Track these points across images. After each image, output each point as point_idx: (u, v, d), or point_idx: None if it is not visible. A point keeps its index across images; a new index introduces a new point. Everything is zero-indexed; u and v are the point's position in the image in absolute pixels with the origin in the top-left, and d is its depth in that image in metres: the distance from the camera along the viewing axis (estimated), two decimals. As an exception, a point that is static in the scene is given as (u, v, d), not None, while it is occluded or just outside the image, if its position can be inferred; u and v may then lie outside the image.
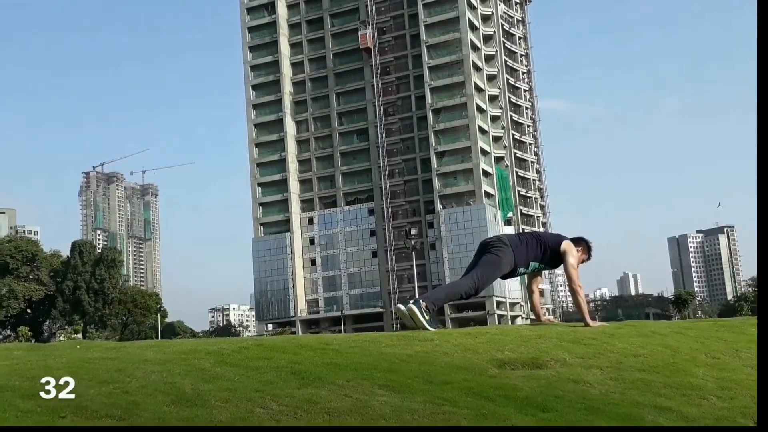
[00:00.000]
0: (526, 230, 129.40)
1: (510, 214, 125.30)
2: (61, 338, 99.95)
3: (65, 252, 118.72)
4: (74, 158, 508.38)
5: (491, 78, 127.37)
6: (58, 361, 5.35)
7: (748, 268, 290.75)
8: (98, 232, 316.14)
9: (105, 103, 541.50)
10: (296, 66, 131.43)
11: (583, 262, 8.30)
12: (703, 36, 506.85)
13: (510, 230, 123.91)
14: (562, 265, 8.09)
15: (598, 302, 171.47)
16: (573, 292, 8.07)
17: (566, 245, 8.10)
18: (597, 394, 5.23)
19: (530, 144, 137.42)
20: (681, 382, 5.62)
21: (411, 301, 7.72)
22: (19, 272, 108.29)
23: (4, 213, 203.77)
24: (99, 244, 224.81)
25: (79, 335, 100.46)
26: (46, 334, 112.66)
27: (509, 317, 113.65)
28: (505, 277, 8.21)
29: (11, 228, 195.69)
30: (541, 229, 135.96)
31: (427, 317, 7.61)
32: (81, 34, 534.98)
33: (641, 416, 4.73)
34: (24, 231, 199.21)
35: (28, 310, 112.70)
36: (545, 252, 8.12)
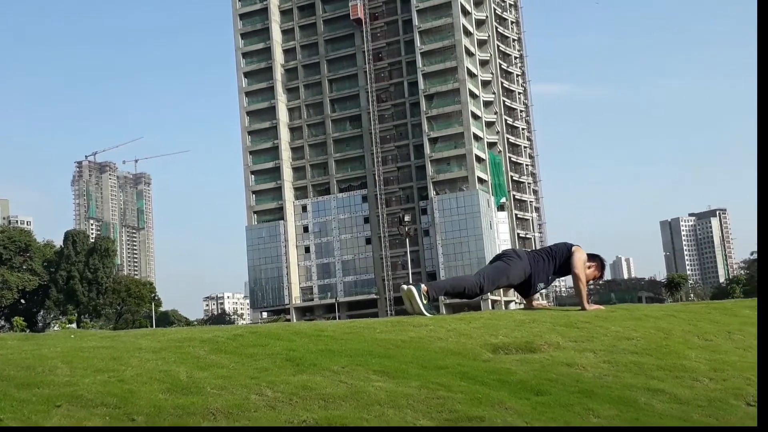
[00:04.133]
0: (520, 214, 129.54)
1: (503, 200, 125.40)
2: (56, 328, 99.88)
3: (58, 242, 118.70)
4: (66, 148, 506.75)
5: (484, 63, 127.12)
6: (53, 350, 5.35)
7: (740, 251, 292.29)
8: (91, 221, 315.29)
9: (96, 92, 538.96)
10: (288, 53, 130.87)
11: (595, 279, 8.51)
12: (705, 16, 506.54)
13: (503, 216, 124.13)
14: (573, 260, 8.26)
15: (591, 286, 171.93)
16: (575, 276, 8.19)
17: (576, 248, 8.34)
18: (590, 377, 5.26)
19: (523, 129, 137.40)
20: (674, 365, 5.66)
21: (413, 284, 7.93)
22: (13, 263, 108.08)
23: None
24: (92, 233, 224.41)
25: (74, 325, 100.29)
26: (40, 324, 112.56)
27: (503, 302, 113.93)
28: (519, 289, 8.41)
29: (4, 218, 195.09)
30: (534, 215, 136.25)
31: (425, 302, 7.79)
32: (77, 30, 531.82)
33: (634, 398, 4.76)
34: (17, 221, 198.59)
35: (22, 301, 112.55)
36: (557, 263, 8.33)
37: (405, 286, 7.96)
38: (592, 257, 8.48)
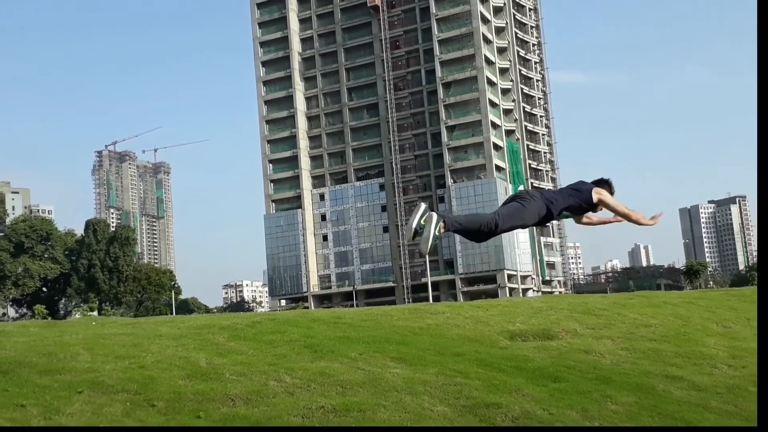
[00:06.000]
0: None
1: (521, 188, 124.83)
2: (77, 316, 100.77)
3: (79, 231, 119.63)
4: (86, 137, 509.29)
5: (501, 50, 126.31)
6: (75, 338, 5.42)
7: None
8: (111, 210, 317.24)
9: (115, 81, 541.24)
10: (306, 41, 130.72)
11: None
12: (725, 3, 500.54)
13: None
14: (604, 206, 8.05)
15: (609, 274, 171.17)
16: (624, 215, 7.96)
17: (597, 190, 8.10)
18: (608, 364, 5.26)
19: (541, 117, 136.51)
20: (692, 352, 5.64)
21: (435, 212, 7.67)
22: (34, 251, 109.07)
23: (17, 193, 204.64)
24: (112, 222, 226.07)
25: (95, 312, 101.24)
26: (62, 311, 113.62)
27: (520, 290, 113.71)
28: (537, 224, 8.24)
29: (25, 207, 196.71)
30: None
31: (436, 234, 7.51)
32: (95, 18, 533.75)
33: (653, 385, 4.75)
34: (38, 210, 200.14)
35: (44, 289, 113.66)
36: (576, 199, 8.15)
37: (426, 208, 7.65)
38: (600, 184, 8.33)
